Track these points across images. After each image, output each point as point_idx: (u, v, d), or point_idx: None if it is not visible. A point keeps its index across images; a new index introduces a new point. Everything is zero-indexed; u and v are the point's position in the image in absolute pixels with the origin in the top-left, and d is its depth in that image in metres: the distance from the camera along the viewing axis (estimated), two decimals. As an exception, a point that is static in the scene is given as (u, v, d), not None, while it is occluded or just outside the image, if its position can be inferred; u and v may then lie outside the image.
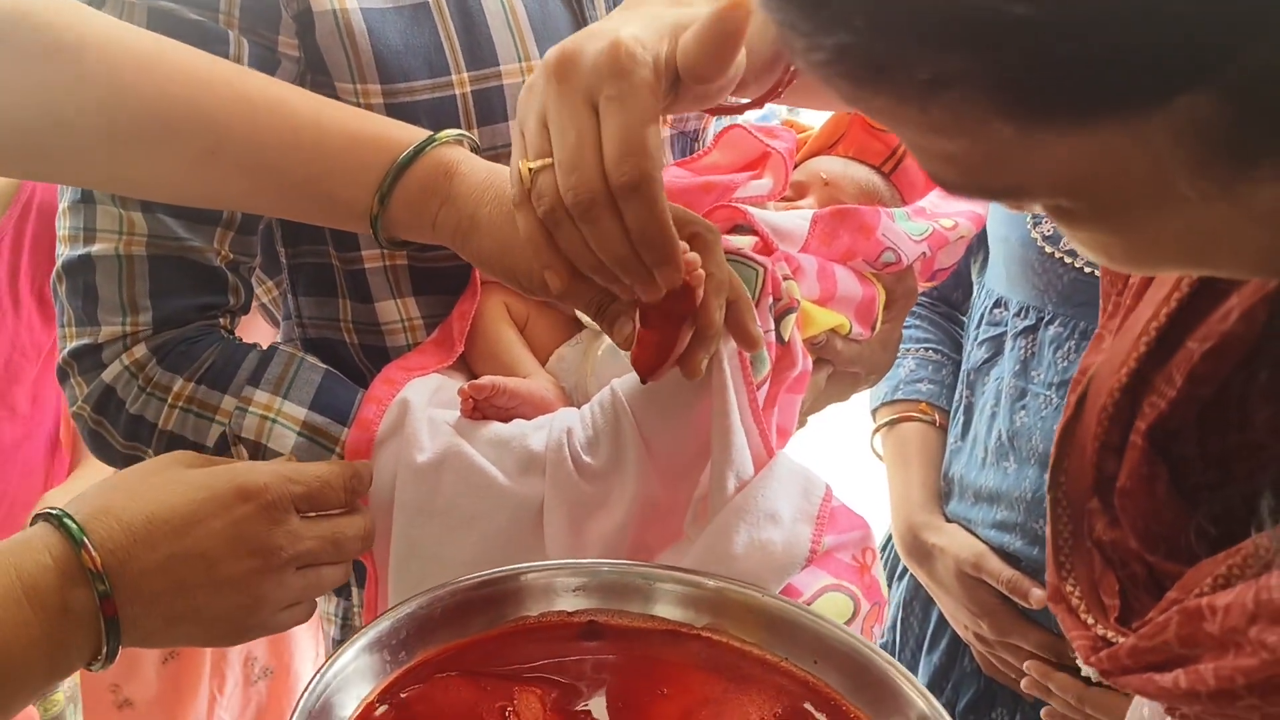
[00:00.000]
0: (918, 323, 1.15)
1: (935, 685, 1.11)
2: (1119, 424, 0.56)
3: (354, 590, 0.96)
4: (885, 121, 0.40)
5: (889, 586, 1.19)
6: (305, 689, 0.59)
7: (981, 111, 0.35)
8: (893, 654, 1.15)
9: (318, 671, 0.60)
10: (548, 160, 0.59)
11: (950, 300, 1.17)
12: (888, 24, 0.34)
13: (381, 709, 0.61)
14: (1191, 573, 0.50)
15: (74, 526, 0.57)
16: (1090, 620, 0.54)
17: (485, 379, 0.78)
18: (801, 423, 0.89)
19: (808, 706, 0.64)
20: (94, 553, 0.57)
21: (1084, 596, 0.55)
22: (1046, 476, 0.59)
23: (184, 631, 0.63)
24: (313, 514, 0.66)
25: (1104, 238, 0.42)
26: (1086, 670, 0.54)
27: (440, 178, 0.70)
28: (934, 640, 1.12)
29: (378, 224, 0.70)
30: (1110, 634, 0.54)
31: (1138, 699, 0.66)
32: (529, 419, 0.78)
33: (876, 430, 1.15)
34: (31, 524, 0.58)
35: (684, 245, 0.62)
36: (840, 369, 0.87)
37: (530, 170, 0.60)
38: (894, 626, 1.17)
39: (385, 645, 0.62)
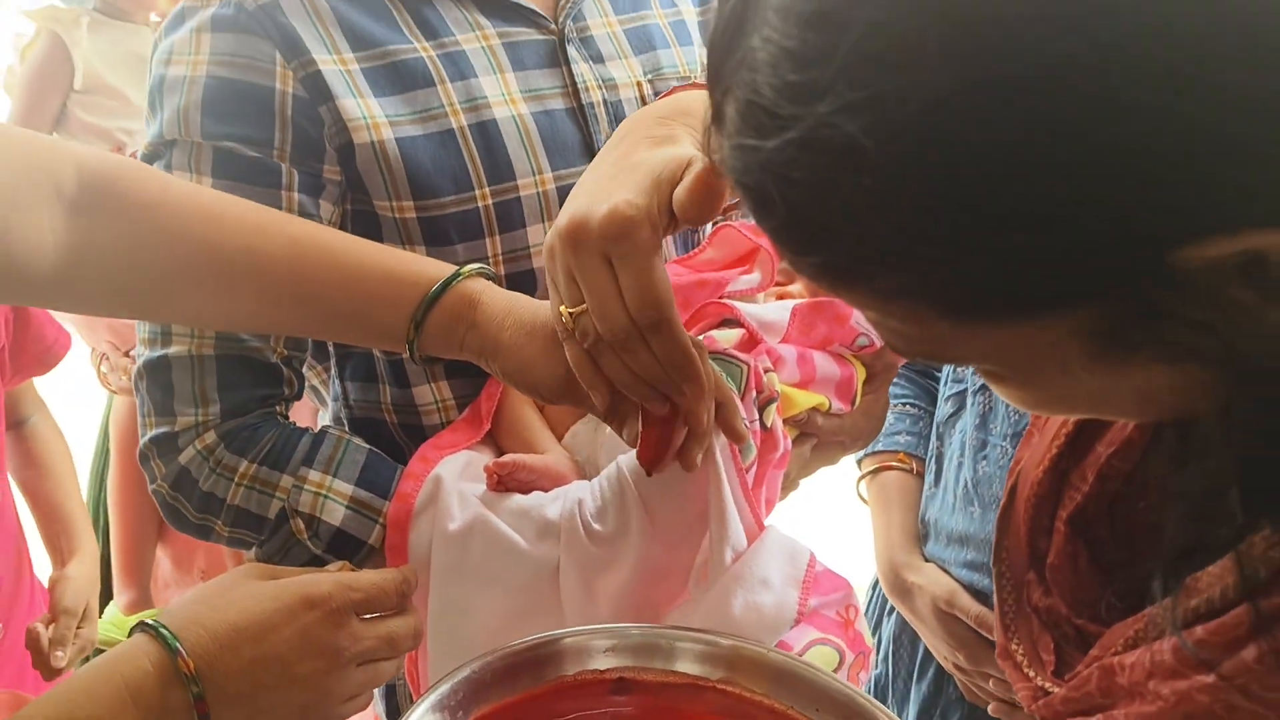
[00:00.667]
0: (898, 381, 1.25)
1: (925, 712, 1.21)
2: (1045, 511, 0.64)
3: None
4: (854, 307, 0.51)
5: (881, 621, 1.29)
6: None
7: (925, 314, 0.46)
8: (886, 684, 1.26)
9: None
10: (583, 306, 0.70)
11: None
12: (851, 253, 0.45)
13: None
14: (1108, 634, 0.58)
15: (169, 636, 0.65)
16: (1032, 673, 0.63)
17: (508, 457, 0.89)
18: (794, 486, 1.00)
19: None
20: (187, 659, 0.65)
21: (1026, 654, 0.64)
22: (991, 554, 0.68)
23: None
24: (369, 616, 0.74)
25: (1020, 393, 0.52)
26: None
27: (466, 308, 0.80)
28: (922, 670, 1.22)
29: (413, 347, 0.81)
30: (1048, 685, 0.62)
31: None
32: (546, 491, 0.89)
33: (861, 478, 1.25)
34: (129, 634, 0.67)
35: None
36: (824, 440, 0.98)
37: (570, 314, 0.71)
38: (886, 659, 1.27)
39: (446, 705, 0.70)
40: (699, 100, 0.73)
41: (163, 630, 0.65)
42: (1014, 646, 0.64)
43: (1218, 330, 0.43)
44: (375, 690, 1.06)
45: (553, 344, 0.77)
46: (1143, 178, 0.39)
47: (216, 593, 0.70)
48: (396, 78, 0.91)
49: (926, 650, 1.21)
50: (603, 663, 0.77)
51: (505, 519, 0.86)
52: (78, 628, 1.44)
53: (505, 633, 0.83)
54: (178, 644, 0.65)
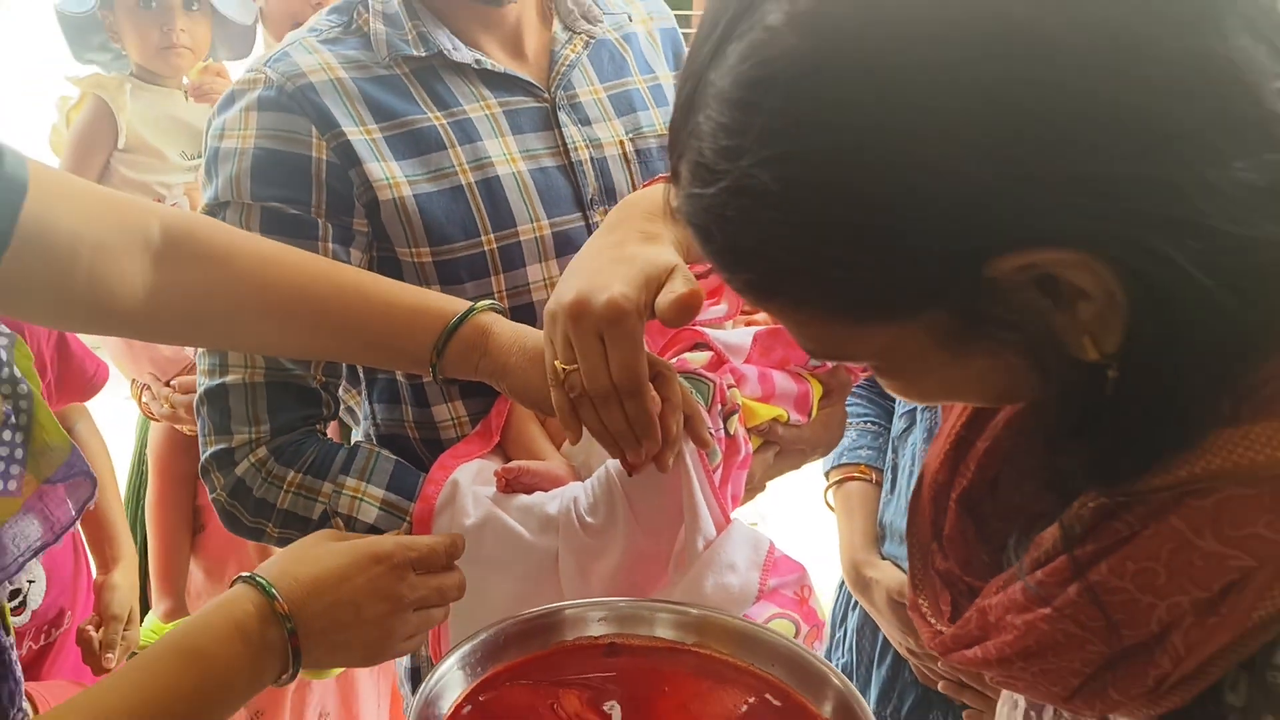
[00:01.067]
0: (860, 401, 1.41)
1: (885, 693, 1.35)
2: (943, 494, 0.76)
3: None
4: (775, 317, 0.64)
5: (846, 615, 1.44)
6: (417, 695, 0.80)
7: (822, 318, 0.58)
8: (852, 669, 1.40)
9: (424, 681, 0.81)
10: (574, 366, 0.85)
11: (887, 380, 1.44)
12: (767, 270, 0.58)
13: (467, 709, 0.82)
14: (986, 587, 0.68)
15: (266, 584, 0.79)
16: (934, 622, 0.74)
17: (514, 463, 1.04)
18: (761, 488, 1.15)
19: (767, 696, 0.86)
20: (282, 603, 0.79)
21: (930, 607, 0.75)
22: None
23: (340, 657, 0.85)
24: (423, 572, 0.88)
25: (897, 384, 0.65)
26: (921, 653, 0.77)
27: (479, 337, 0.95)
28: (881, 657, 1.37)
29: (435, 370, 0.96)
30: (945, 629, 0.73)
31: (1004, 694, 0.87)
32: (547, 491, 1.04)
33: (828, 488, 1.40)
34: (232, 585, 0.82)
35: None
36: (786, 448, 1.13)
37: (564, 370, 0.86)
38: (852, 649, 1.41)
39: (467, 663, 0.84)
40: None
41: (260, 580, 0.80)
42: (921, 601, 0.76)
43: (1023, 329, 0.54)
44: (402, 665, 1.21)
45: None
46: (952, 206, 0.50)
47: (300, 552, 0.84)
48: (413, 143, 1.07)
49: (885, 639, 1.35)
50: (596, 630, 0.91)
51: (513, 515, 1.01)
52: (124, 630, 1.59)
53: (514, 609, 0.98)
54: (274, 591, 0.79)
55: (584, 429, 0.90)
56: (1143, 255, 0.50)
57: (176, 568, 1.87)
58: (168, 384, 1.82)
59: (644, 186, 0.98)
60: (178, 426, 1.86)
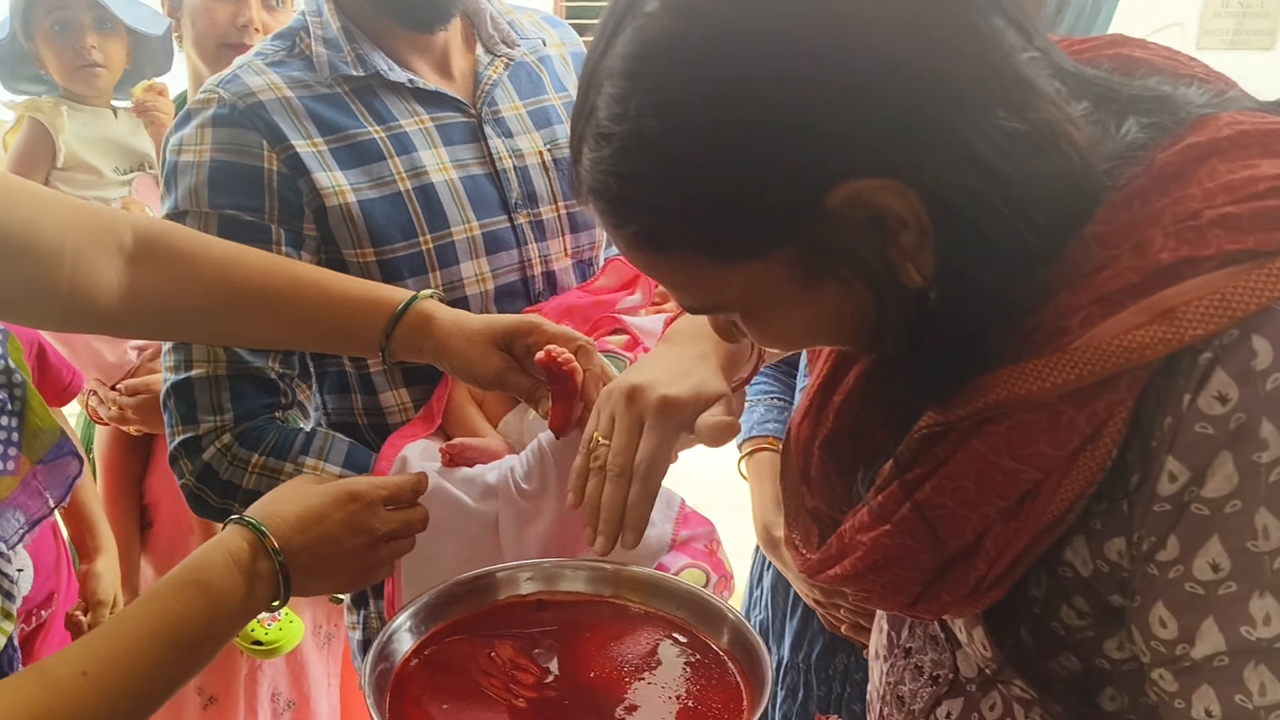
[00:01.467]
0: (768, 379, 1.55)
1: (797, 641, 1.48)
2: (810, 442, 0.84)
3: (371, 601, 1.33)
4: (657, 278, 0.73)
5: (762, 574, 1.58)
6: (370, 651, 0.88)
7: (696, 262, 0.66)
8: (769, 622, 1.53)
9: (378, 640, 0.89)
10: (608, 442, 0.93)
11: (790, 361, 1.58)
12: (648, 218, 0.65)
13: (415, 661, 0.91)
14: (846, 518, 0.78)
15: (256, 523, 0.89)
16: (805, 551, 0.84)
17: (457, 440, 1.16)
18: (675, 458, 1.28)
19: (674, 634, 0.96)
20: (271, 538, 0.89)
21: (801, 540, 0.85)
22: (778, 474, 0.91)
23: (324, 584, 0.95)
24: (392, 507, 0.99)
25: (764, 329, 0.73)
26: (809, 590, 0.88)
27: (423, 322, 1.07)
28: (793, 610, 1.50)
29: (385, 352, 1.07)
30: (813, 557, 0.81)
31: (877, 621, 0.99)
32: (486, 464, 1.16)
33: (741, 459, 1.53)
34: (224, 527, 0.92)
35: (569, 355, 1.02)
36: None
37: (598, 440, 0.94)
38: (768, 605, 1.55)
39: (413, 623, 0.94)
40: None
41: (250, 520, 0.90)
42: (794, 536, 0.86)
43: (860, 260, 0.64)
44: (355, 638, 1.32)
45: (487, 347, 1.05)
46: (790, 145, 0.60)
47: (285, 493, 0.95)
48: (355, 155, 1.18)
49: (795, 593, 1.48)
50: (526, 588, 1.02)
51: (457, 486, 1.12)
52: (111, 614, 1.68)
53: (460, 573, 1.10)
54: (263, 528, 0.90)
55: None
56: (938, 181, 0.61)
57: (128, 564, 1.94)
58: (113, 388, 1.90)
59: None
60: (125, 428, 1.93)
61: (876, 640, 0.99)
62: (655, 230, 0.67)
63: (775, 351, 1.07)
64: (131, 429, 1.92)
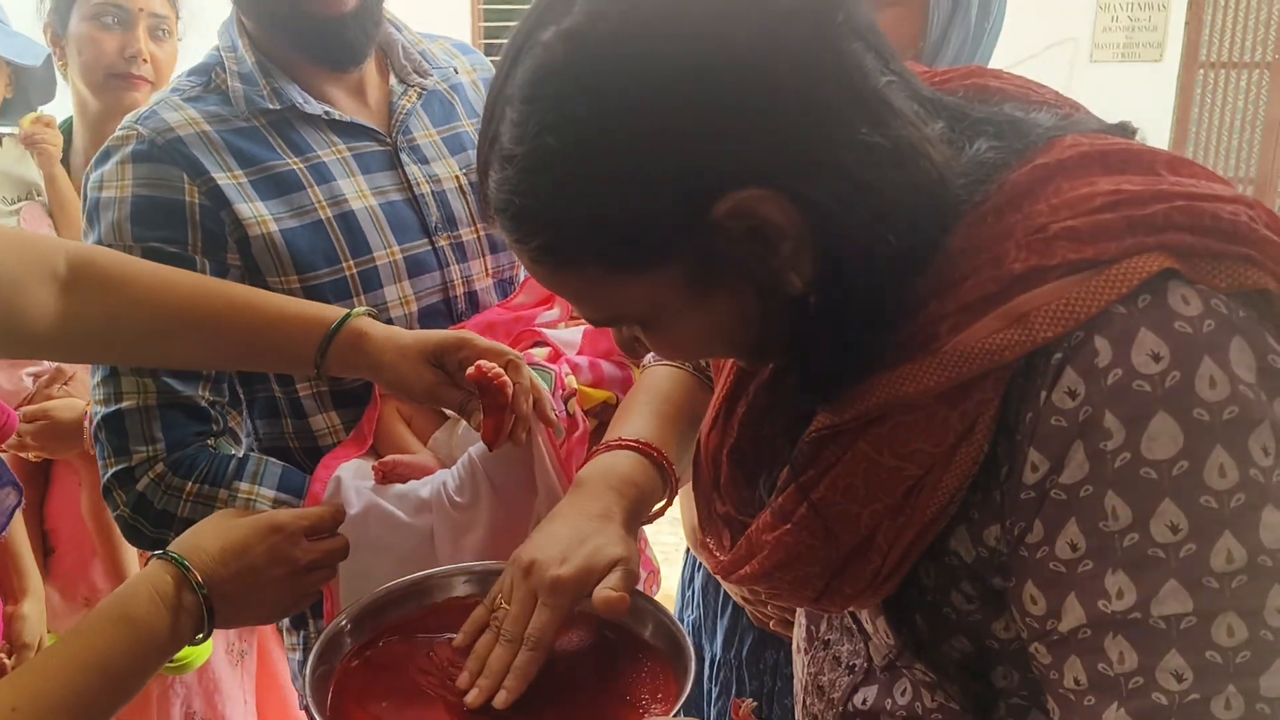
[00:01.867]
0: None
1: (728, 639, 1.52)
2: (718, 451, 0.88)
3: (310, 621, 1.34)
4: (561, 292, 0.74)
5: (693, 575, 1.63)
6: (312, 653, 0.91)
7: (595, 275, 0.69)
8: (701, 620, 1.57)
9: (318, 642, 0.92)
10: (507, 605, 0.92)
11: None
12: (550, 232, 0.68)
13: (355, 662, 0.95)
14: (755, 520, 0.81)
15: (179, 559, 0.92)
16: (718, 554, 0.87)
17: (389, 458, 1.20)
18: None
19: (604, 630, 0.99)
20: (195, 573, 0.91)
21: (715, 543, 0.89)
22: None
23: (249, 614, 0.98)
24: (314, 538, 1.01)
25: (663, 340, 0.76)
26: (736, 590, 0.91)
27: (356, 339, 1.09)
28: (723, 608, 1.54)
29: (320, 369, 1.10)
30: (725, 559, 0.85)
31: (797, 616, 1.04)
32: (419, 480, 1.20)
33: (667, 463, 1.59)
34: (147, 564, 0.94)
35: (499, 369, 1.06)
36: None
37: (499, 603, 0.93)
38: (699, 605, 1.59)
39: (352, 625, 0.97)
40: (637, 469, 1.02)
41: (173, 556, 0.92)
42: (708, 540, 0.90)
43: (747, 270, 0.68)
44: (294, 659, 1.33)
45: (419, 362, 1.08)
46: (672, 160, 0.64)
47: (207, 528, 0.97)
48: (275, 185, 1.21)
49: (725, 592, 1.52)
50: (462, 590, 1.06)
51: (391, 502, 1.15)
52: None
53: (397, 584, 1.13)
54: (186, 563, 0.92)
55: None
56: (810, 190, 0.66)
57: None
58: None
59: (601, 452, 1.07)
60: (23, 455, 1.91)
61: (798, 634, 1.04)
62: (555, 244, 0.70)
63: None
64: (30, 455, 1.91)
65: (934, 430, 0.69)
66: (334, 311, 1.11)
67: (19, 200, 2.02)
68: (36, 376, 1.92)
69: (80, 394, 1.92)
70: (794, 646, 1.05)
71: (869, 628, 0.87)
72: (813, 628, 0.99)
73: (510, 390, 1.07)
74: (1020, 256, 0.67)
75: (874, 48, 0.69)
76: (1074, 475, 0.64)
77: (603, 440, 1.07)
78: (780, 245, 0.68)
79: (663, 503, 1.07)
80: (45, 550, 2.00)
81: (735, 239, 0.67)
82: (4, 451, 1.92)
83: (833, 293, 0.70)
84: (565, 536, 0.94)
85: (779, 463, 0.80)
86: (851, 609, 0.89)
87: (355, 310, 1.12)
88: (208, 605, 0.92)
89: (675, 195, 0.66)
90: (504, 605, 0.93)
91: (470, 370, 1.07)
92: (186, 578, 0.92)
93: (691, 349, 0.82)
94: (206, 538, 0.95)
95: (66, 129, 2.04)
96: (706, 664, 1.57)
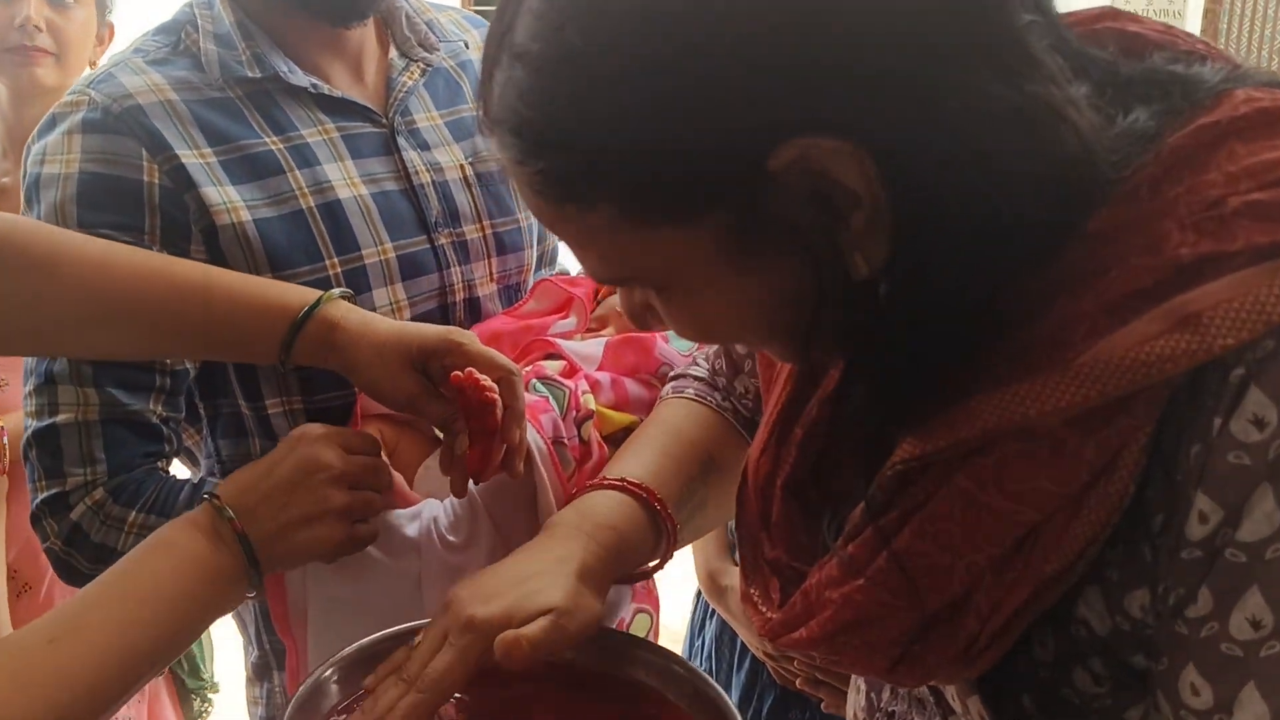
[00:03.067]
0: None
1: (745, 697, 1.38)
2: (769, 482, 0.75)
3: (275, 673, 1.18)
4: (563, 234, 0.63)
5: (704, 624, 1.47)
6: (290, 707, 0.78)
7: (612, 221, 0.57)
8: (712, 674, 1.42)
9: (295, 699, 0.79)
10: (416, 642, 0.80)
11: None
12: (566, 157, 0.56)
13: None
14: (812, 571, 0.69)
15: (210, 495, 0.86)
16: (764, 609, 0.74)
17: None
18: None
19: (642, 704, 0.86)
20: (218, 498, 0.85)
21: (760, 595, 0.76)
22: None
23: (296, 544, 0.87)
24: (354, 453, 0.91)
25: (682, 311, 0.64)
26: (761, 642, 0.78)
27: (326, 331, 0.93)
28: (740, 662, 1.39)
29: (285, 367, 0.94)
30: (775, 617, 0.72)
31: (854, 682, 0.90)
32: (403, 510, 1.01)
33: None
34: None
35: (488, 382, 0.90)
36: None
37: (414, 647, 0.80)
38: (710, 656, 1.43)
39: (338, 676, 0.84)
40: (622, 514, 0.88)
41: (207, 493, 0.87)
42: (752, 591, 0.77)
43: (801, 237, 0.56)
44: (254, 693, 1.17)
45: (398, 365, 0.92)
46: (735, 89, 0.52)
47: (240, 469, 0.91)
48: (250, 168, 1.05)
49: (743, 644, 1.38)
50: None
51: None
52: None
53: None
54: (211, 491, 0.87)
55: None
56: (901, 148, 0.53)
57: None
58: None
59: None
60: None
61: (854, 702, 0.89)
62: (567, 172, 0.57)
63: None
64: None
65: (1060, 465, 0.56)
66: (301, 295, 0.94)
67: None
68: None
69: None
70: (849, 716, 0.90)
71: (954, 704, 0.73)
72: (874, 695, 0.85)
73: (499, 410, 0.90)
74: (1187, 240, 0.54)
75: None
76: (1259, 530, 0.52)
77: (598, 476, 0.92)
78: (850, 216, 0.55)
79: (655, 560, 0.93)
80: (16, 592, 1.82)
81: (792, 200, 0.55)
82: None
83: (910, 284, 0.57)
84: (505, 576, 0.83)
85: (849, 499, 0.67)
86: (934, 683, 0.74)
87: (327, 294, 0.95)
88: (237, 529, 0.85)
89: (729, 131, 0.53)
90: (417, 650, 0.81)
91: (455, 374, 0.90)
92: (213, 505, 0.85)
93: (716, 327, 0.68)
94: (237, 473, 0.90)
95: None
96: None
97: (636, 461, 0.93)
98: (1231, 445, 0.53)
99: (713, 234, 0.57)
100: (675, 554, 0.95)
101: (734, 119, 0.53)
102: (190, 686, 1.93)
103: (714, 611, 1.42)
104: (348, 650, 0.85)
